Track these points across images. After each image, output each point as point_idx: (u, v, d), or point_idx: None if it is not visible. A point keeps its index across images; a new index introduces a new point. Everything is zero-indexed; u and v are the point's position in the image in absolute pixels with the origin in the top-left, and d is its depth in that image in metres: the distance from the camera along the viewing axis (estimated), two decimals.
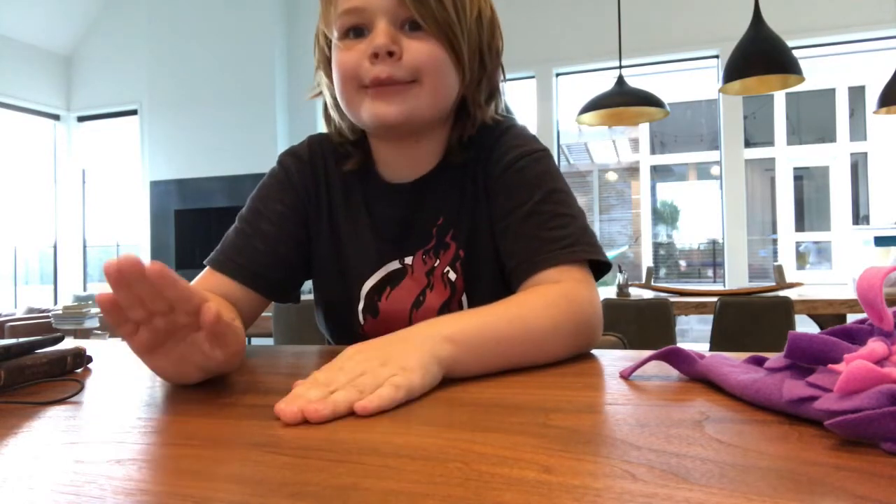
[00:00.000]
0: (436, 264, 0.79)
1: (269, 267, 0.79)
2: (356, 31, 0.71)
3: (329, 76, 0.76)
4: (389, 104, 0.70)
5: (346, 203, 0.82)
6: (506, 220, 0.74)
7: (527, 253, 0.71)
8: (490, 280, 0.78)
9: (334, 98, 0.77)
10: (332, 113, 0.80)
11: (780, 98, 7.45)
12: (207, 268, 0.79)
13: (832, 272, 7.17)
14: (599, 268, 0.72)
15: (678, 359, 0.51)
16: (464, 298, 0.79)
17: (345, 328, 0.83)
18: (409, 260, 0.79)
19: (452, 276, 0.78)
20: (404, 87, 0.70)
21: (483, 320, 0.58)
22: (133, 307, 0.45)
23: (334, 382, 0.45)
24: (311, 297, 0.89)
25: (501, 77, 0.80)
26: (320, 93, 0.82)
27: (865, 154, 7.28)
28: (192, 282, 0.78)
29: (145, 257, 5.84)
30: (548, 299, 0.64)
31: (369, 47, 0.68)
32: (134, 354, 0.50)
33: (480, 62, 0.75)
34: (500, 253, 0.76)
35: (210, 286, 0.76)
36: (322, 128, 0.86)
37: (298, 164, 0.83)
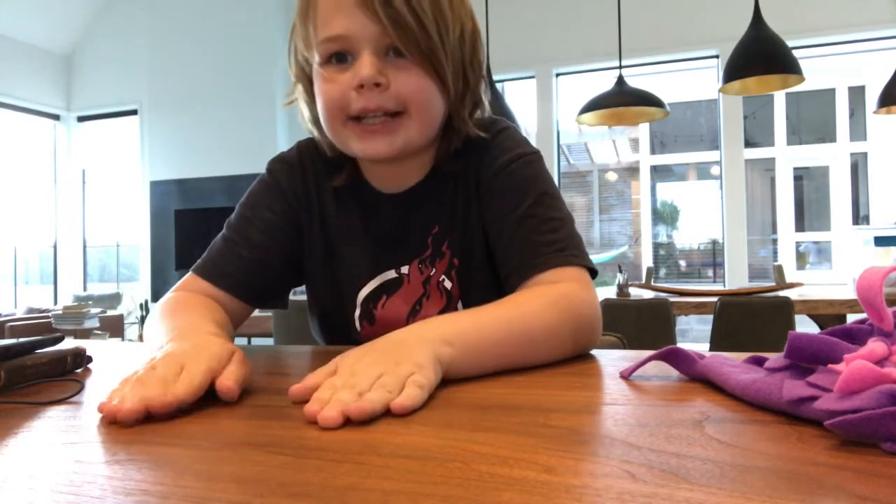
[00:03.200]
0: (431, 273, 0.78)
1: (256, 276, 0.78)
2: (338, 58, 0.69)
3: (308, 93, 0.75)
4: (380, 141, 0.69)
5: (338, 210, 0.81)
6: (499, 224, 0.74)
7: (523, 256, 0.71)
8: (484, 286, 0.78)
9: (312, 115, 0.76)
10: (311, 128, 0.79)
11: (780, 98, 7.46)
12: (191, 274, 0.78)
13: (832, 272, 7.17)
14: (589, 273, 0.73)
15: (678, 359, 0.51)
16: (459, 306, 0.79)
17: (340, 334, 0.82)
18: (405, 269, 0.79)
19: (448, 284, 0.78)
20: (393, 122, 0.69)
21: (481, 322, 0.58)
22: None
23: (357, 386, 0.45)
24: (303, 298, 0.89)
25: (484, 87, 0.79)
26: (294, 101, 0.80)
27: (865, 154, 7.29)
28: (175, 286, 0.78)
29: (145, 257, 5.85)
30: (548, 299, 0.64)
31: (355, 78, 0.67)
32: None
33: (464, 79, 0.74)
34: (495, 257, 0.76)
35: (195, 291, 0.76)
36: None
37: (288, 171, 0.82)
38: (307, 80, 0.75)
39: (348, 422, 0.41)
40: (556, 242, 0.70)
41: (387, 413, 0.43)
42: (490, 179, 0.76)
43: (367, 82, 0.66)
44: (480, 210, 0.77)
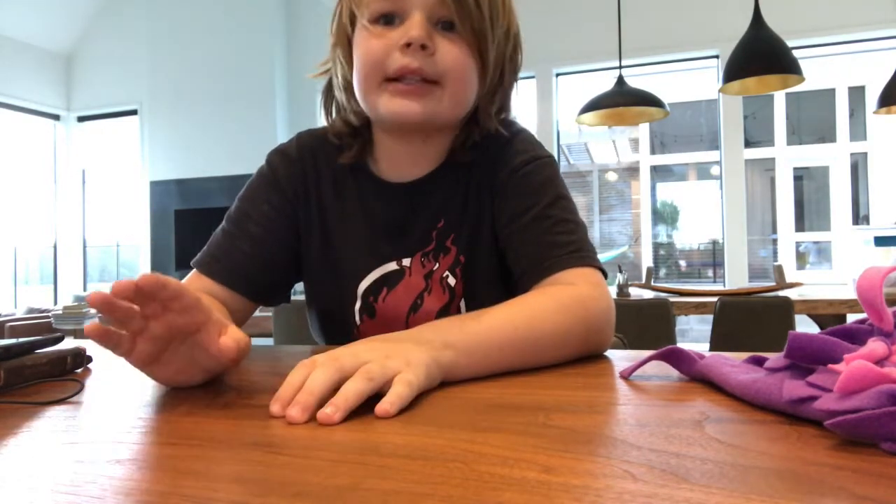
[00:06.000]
0: (435, 268, 0.78)
1: (256, 270, 0.78)
2: (387, 19, 0.69)
3: (345, 56, 0.75)
4: (411, 103, 0.69)
5: (337, 201, 0.80)
6: (512, 223, 0.74)
7: (537, 256, 0.70)
8: (489, 286, 0.77)
9: (345, 80, 0.76)
10: (339, 95, 0.78)
11: (780, 98, 7.46)
12: (194, 271, 0.78)
13: (832, 272, 7.17)
14: None
15: (678, 359, 0.51)
16: (462, 304, 0.78)
17: (339, 329, 0.81)
18: (407, 262, 0.78)
19: (452, 280, 0.77)
20: (427, 89, 0.69)
21: (489, 325, 0.57)
22: (127, 320, 0.46)
23: (340, 359, 0.45)
24: (304, 297, 0.88)
25: (515, 91, 0.80)
26: (326, 72, 0.79)
27: (865, 154, 7.29)
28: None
29: (145, 257, 5.84)
30: (559, 302, 0.63)
31: (403, 37, 0.67)
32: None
33: (501, 74, 0.75)
34: (507, 256, 0.75)
35: (198, 289, 0.76)
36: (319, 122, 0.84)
37: (287, 163, 0.81)
38: (347, 43, 0.74)
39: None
40: (571, 244, 0.70)
41: (382, 416, 0.43)
42: (505, 180, 0.76)
43: (415, 41, 0.67)
44: (493, 209, 0.77)
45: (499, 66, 0.74)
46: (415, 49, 0.67)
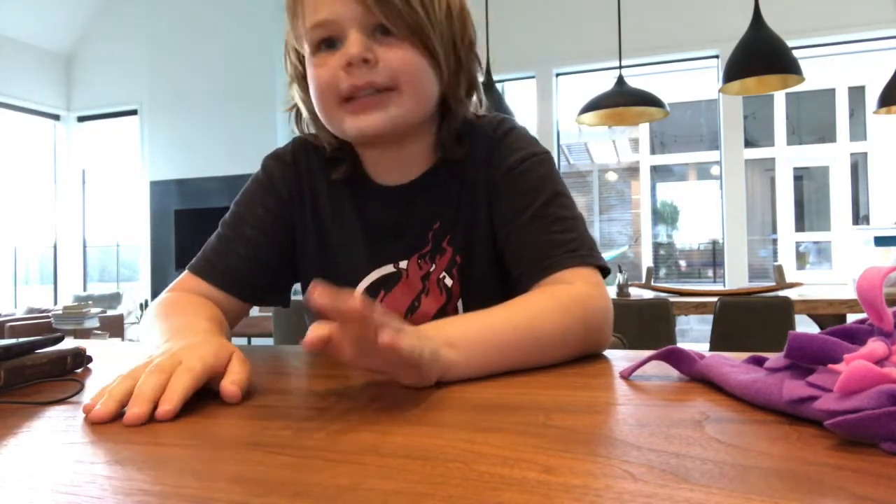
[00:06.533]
0: (431, 269, 0.78)
1: (251, 272, 0.78)
2: (328, 44, 0.69)
3: (304, 90, 0.75)
4: (370, 115, 0.69)
5: (333, 205, 0.81)
6: (511, 222, 0.74)
7: (535, 256, 0.70)
8: (486, 286, 0.77)
9: (311, 112, 0.76)
10: (312, 126, 0.79)
11: (780, 98, 7.45)
12: (187, 272, 0.79)
13: (832, 272, 7.17)
14: (601, 273, 0.72)
15: (678, 359, 0.51)
16: (459, 304, 0.78)
17: None
18: (403, 264, 0.78)
19: (448, 281, 0.78)
20: (383, 97, 0.69)
21: (489, 326, 0.57)
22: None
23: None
24: (301, 298, 0.88)
25: (478, 68, 0.79)
26: (294, 106, 0.80)
27: (865, 154, 7.28)
28: (171, 285, 0.78)
29: (145, 257, 5.84)
30: (558, 302, 0.63)
31: (343, 57, 0.67)
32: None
33: (456, 57, 0.74)
34: (505, 256, 0.75)
35: (190, 290, 0.76)
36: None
37: (282, 167, 0.82)
38: (302, 78, 0.75)
39: (338, 423, 0.41)
40: (569, 242, 0.70)
41: (385, 413, 0.43)
42: (500, 178, 0.75)
43: (354, 59, 0.66)
44: (489, 209, 0.77)
45: (450, 49, 0.73)
46: (357, 66, 0.67)
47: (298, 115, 0.81)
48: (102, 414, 0.43)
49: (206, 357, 0.49)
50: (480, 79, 0.80)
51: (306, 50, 0.71)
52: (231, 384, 0.48)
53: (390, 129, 0.70)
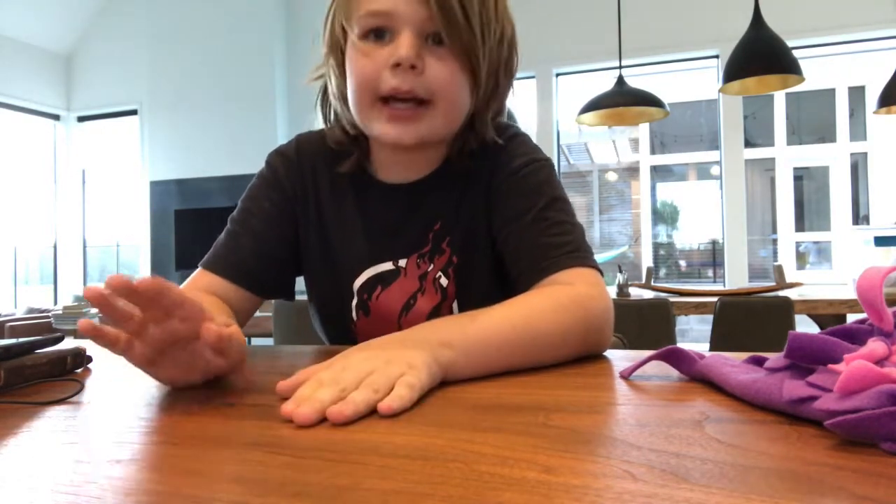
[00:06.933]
0: (429, 269, 0.78)
1: (259, 264, 0.79)
2: (377, 34, 0.68)
3: (339, 66, 0.75)
4: (405, 128, 0.69)
5: (335, 202, 0.81)
6: (509, 225, 0.74)
7: (535, 257, 0.70)
8: (482, 287, 0.78)
9: (340, 90, 0.76)
10: (335, 103, 0.78)
11: (780, 98, 7.45)
12: (200, 269, 0.79)
13: (832, 272, 7.16)
14: None
15: (678, 359, 0.51)
16: (454, 305, 0.78)
17: (338, 325, 0.83)
18: (402, 262, 0.79)
19: (444, 281, 0.78)
20: (419, 111, 0.69)
21: (487, 325, 0.57)
22: (124, 321, 0.46)
23: (342, 381, 0.45)
24: (304, 297, 0.89)
25: (511, 94, 0.80)
26: (320, 77, 0.79)
27: (865, 154, 7.28)
28: (184, 283, 0.78)
29: (145, 257, 5.85)
30: (557, 301, 0.63)
31: (392, 56, 0.67)
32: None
33: (496, 82, 0.74)
34: (504, 258, 0.75)
35: (202, 286, 0.76)
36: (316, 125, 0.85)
37: (286, 163, 0.83)
38: (340, 53, 0.74)
39: (336, 420, 0.41)
40: (568, 244, 0.70)
41: (385, 413, 0.43)
42: (501, 182, 0.76)
43: (404, 62, 0.66)
44: (488, 211, 0.77)
45: (492, 74, 0.73)
46: (404, 69, 0.67)
47: (325, 99, 0.80)
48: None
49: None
50: (509, 106, 0.81)
51: (354, 31, 0.70)
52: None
53: (418, 142, 0.71)
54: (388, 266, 0.79)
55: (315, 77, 0.80)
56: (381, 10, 0.67)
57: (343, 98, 0.76)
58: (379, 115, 0.70)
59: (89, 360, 0.65)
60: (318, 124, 0.84)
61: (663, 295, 2.90)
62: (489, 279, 0.78)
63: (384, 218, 0.80)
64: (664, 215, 9.96)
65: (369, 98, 0.70)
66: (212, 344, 0.46)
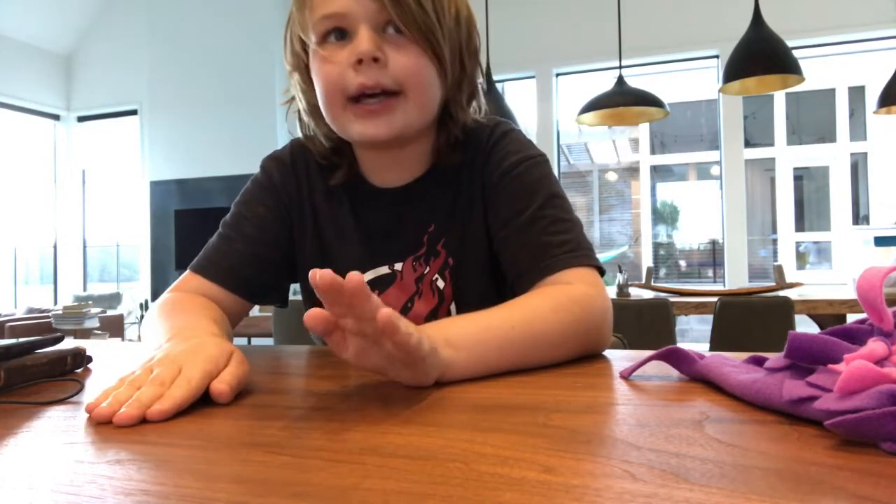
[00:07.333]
0: (425, 271, 0.78)
1: (250, 269, 0.79)
2: (338, 34, 0.68)
3: (305, 81, 0.75)
4: (378, 122, 0.69)
5: (330, 206, 0.81)
6: (507, 225, 0.74)
7: (533, 257, 0.70)
8: (479, 289, 0.77)
9: (309, 104, 0.75)
10: (307, 119, 0.78)
11: (780, 98, 7.45)
12: (188, 272, 0.79)
13: (832, 272, 7.16)
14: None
15: (678, 359, 0.51)
16: (452, 307, 0.78)
17: None
18: (398, 266, 0.79)
19: (441, 283, 0.78)
20: (390, 102, 0.68)
21: (486, 325, 0.57)
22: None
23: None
24: (300, 298, 0.88)
25: (481, 78, 0.79)
26: (292, 98, 0.79)
27: (865, 154, 7.28)
28: (172, 285, 0.78)
29: (145, 257, 5.85)
30: (557, 302, 0.63)
31: (353, 54, 0.66)
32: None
33: (461, 64, 0.74)
34: (503, 259, 0.75)
35: (192, 289, 0.76)
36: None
37: (281, 168, 0.82)
38: (304, 69, 0.74)
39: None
40: (567, 243, 0.70)
41: (385, 413, 0.43)
42: (497, 182, 0.75)
43: (365, 57, 0.66)
44: (484, 212, 0.77)
45: (456, 56, 0.72)
46: (367, 64, 0.66)
47: (300, 117, 0.80)
48: (106, 413, 0.43)
49: (206, 365, 0.49)
50: (482, 88, 0.80)
51: (312, 40, 0.70)
52: (220, 383, 0.48)
53: (395, 135, 0.70)
54: (384, 270, 0.79)
55: (287, 100, 0.80)
56: (334, 13, 0.67)
57: (314, 112, 0.75)
58: (352, 115, 0.69)
59: (89, 360, 0.65)
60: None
61: (663, 295, 2.90)
62: (486, 280, 0.78)
63: (379, 222, 0.79)
64: (664, 215, 9.96)
65: (339, 101, 0.69)
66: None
